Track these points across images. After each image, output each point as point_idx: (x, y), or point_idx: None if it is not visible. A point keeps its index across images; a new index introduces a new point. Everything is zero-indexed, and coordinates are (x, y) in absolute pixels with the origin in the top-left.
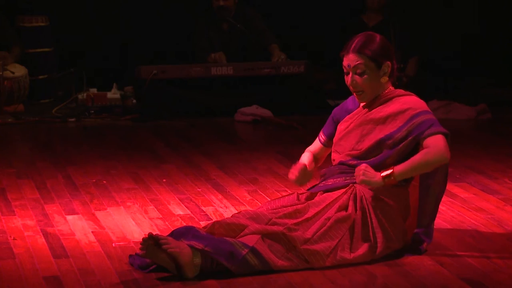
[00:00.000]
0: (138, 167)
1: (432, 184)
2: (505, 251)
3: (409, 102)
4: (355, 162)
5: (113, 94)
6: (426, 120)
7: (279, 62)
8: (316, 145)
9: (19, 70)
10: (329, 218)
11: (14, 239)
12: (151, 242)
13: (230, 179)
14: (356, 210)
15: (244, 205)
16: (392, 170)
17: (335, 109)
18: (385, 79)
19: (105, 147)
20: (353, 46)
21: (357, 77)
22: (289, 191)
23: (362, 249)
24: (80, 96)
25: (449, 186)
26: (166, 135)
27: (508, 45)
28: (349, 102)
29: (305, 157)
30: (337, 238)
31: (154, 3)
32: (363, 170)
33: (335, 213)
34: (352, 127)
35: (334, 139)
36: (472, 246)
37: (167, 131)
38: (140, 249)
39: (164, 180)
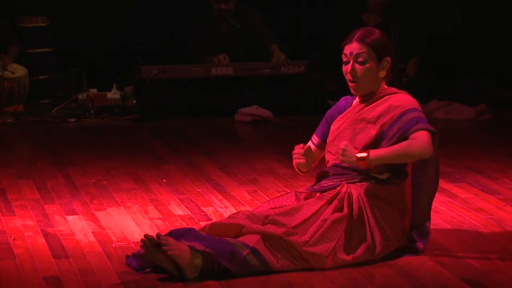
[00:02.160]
0: (138, 167)
1: (424, 182)
2: (505, 251)
3: (400, 100)
4: (348, 164)
5: (113, 94)
6: (414, 117)
7: (279, 62)
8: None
9: (19, 71)
10: (325, 220)
11: (14, 239)
12: (151, 242)
13: (230, 179)
14: (352, 210)
15: (244, 205)
16: (367, 153)
17: (329, 110)
18: (383, 73)
19: (105, 147)
20: (357, 35)
21: (357, 65)
22: (294, 191)
23: (361, 249)
24: (80, 96)
25: (449, 186)
26: (166, 135)
27: (508, 45)
28: (342, 102)
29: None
30: (335, 239)
31: (154, 3)
32: (343, 149)
33: (331, 213)
34: (345, 126)
35: (328, 139)
36: (472, 246)
37: (167, 131)
38: (141, 247)
39: (164, 180)
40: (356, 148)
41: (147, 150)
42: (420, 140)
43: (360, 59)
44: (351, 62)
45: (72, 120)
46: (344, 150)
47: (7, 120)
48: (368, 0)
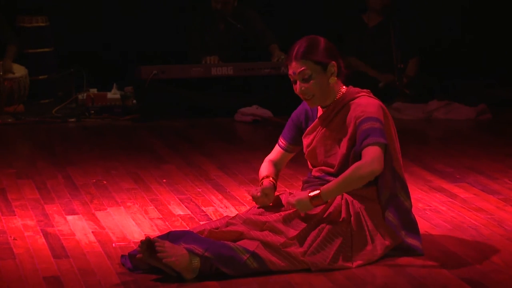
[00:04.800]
0: (138, 167)
1: (381, 185)
2: (505, 251)
3: (356, 109)
4: (331, 178)
5: (113, 94)
6: (365, 130)
7: (279, 62)
8: (276, 152)
9: (19, 71)
10: (322, 229)
11: (14, 239)
12: (148, 246)
13: (230, 179)
14: (350, 216)
15: (244, 205)
16: (319, 190)
17: (294, 112)
18: (333, 79)
19: (105, 147)
20: (294, 53)
21: (304, 84)
22: (288, 191)
23: (363, 255)
24: (80, 96)
25: (449, 186)
26: (166, 135)
27: (508, 45)
28: (306, 104)
29: (265, 169)
30: (334, 247)
31: (155, 3)
32: (294, 204)
33: (327, 222)
34: (315, 144)
35: (304, 150)
36: (472, 246)
37: (167, 131)
38: (138, 252)
39: (164, 180)
40: (332, 166)
41: (147, 150)
42: (368, 159)
43: (305, 77)
44: (298, 82)
45: (72, 120)
46: (296, 204)
47: (7, 120)
48: (368, 0)
